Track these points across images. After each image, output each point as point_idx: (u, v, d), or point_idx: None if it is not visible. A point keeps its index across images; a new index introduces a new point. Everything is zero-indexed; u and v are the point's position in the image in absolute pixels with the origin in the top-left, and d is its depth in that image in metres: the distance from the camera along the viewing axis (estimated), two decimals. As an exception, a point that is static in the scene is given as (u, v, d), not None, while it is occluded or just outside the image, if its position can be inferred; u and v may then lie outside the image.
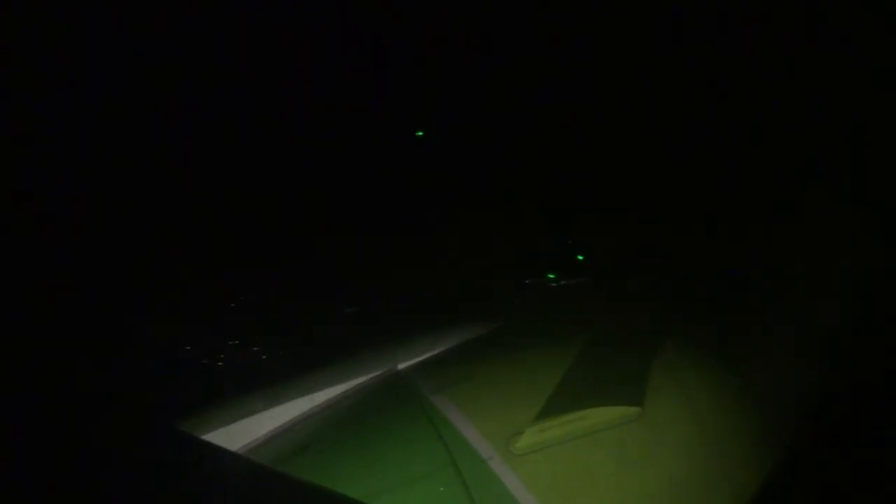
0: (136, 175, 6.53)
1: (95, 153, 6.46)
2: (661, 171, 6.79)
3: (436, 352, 3.94)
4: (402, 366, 3.87)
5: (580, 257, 6.22)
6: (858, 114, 5.76)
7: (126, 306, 5.45)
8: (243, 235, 6.67)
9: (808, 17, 6.29)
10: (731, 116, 6.76)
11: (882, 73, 5.68)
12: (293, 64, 7.34)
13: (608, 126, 7.26)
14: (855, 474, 4.32)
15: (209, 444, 3.24)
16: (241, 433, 3.55)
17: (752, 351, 4.34)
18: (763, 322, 4.68)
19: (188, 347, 4.85)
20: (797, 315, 4.72)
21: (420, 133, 7.96)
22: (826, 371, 4.51)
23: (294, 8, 7.28)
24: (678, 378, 3.80)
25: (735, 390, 3.99)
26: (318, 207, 7.07)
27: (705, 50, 6.89)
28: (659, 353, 3.88)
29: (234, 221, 6.78)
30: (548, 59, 7.50)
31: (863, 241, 4.99)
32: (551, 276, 5.69)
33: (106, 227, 6.21)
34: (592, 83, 7.47)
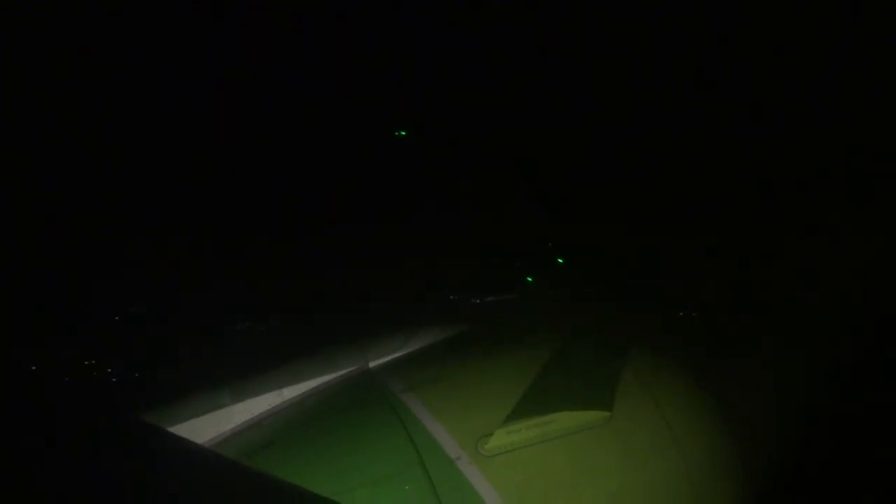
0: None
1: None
2: (638, 177, 6.84)
3: (407, 351, 3.93)
4: (372, 363, 3.85)
5: (560, 261, 6.23)
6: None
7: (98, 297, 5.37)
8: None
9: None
10: (705, 119, 6.82)
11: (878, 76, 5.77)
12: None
13: (585, 131, 7.30)
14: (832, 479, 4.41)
15: (175, 437, 3.20)
16: (207, 426, 3.52)
17: (720, 357, 4.40)
18: (732, 328, 4.74)
19: (156, 338, 4.80)
20: (766, 320, 4.80)
21: (403, 133, 7.94)
22: (796, 375, 4.59)
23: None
24: (647, 383, 3.84)
25: (704, 396, 4.03)
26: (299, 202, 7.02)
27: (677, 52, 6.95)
28: (628, 359, 3.91)
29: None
30: (530, 61, 7.52)
31: (824, 249, 5.09)
32: (530, 279, 5.70)
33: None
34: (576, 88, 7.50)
